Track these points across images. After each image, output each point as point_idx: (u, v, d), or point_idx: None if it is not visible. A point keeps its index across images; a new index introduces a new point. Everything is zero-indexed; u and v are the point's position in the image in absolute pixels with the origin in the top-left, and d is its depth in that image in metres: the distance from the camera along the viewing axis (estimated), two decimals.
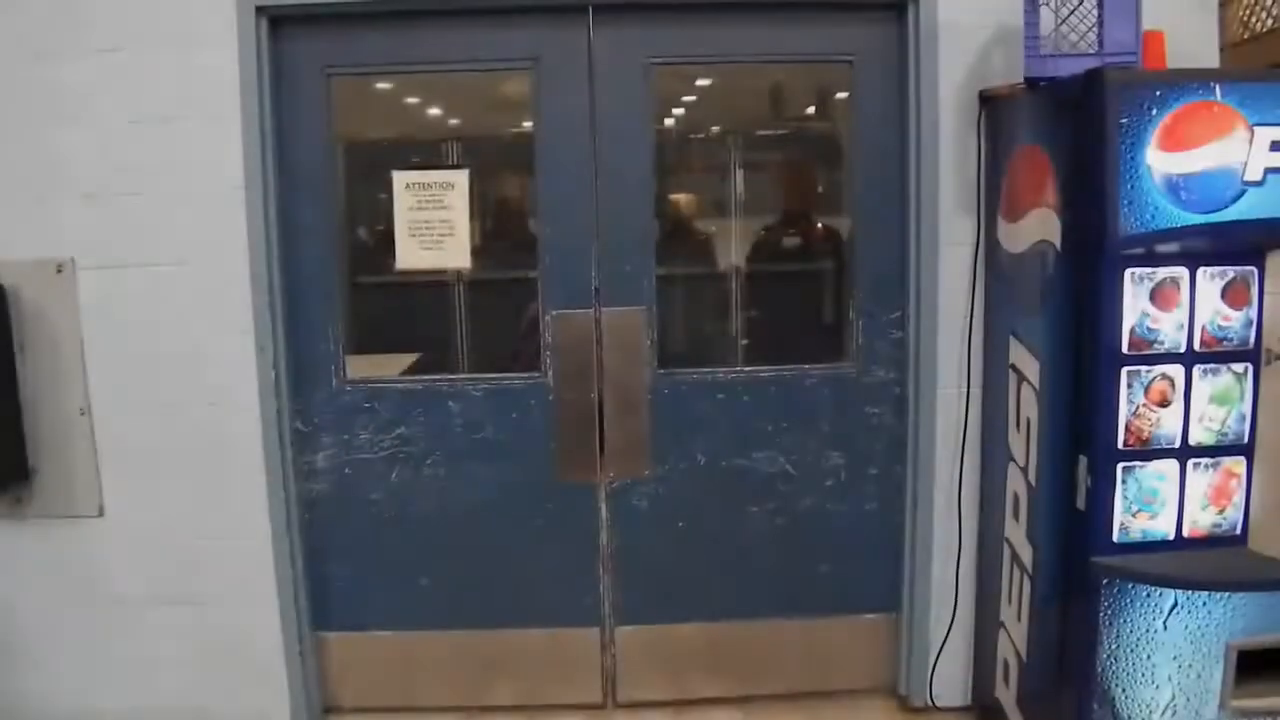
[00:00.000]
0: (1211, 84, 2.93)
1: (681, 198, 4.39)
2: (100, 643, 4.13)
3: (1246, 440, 3.15)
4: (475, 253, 3.99)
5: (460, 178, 3.91)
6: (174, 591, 4.07)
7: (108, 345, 3.94)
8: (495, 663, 4.18)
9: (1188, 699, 3.17)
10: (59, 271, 3.89)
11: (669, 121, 4.25)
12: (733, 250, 4.42)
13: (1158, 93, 2.92)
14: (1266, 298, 3.09)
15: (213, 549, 4.02)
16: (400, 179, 3.91)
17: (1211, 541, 3.18)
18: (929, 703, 4.11)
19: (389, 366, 4.20)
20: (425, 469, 4.05)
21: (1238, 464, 3.16)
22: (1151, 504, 3.12)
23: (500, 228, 4.20)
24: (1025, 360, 3.48)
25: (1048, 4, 3.39)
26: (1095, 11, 3.33)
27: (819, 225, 4.44)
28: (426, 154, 4.06)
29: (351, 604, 4.17)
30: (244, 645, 4.08)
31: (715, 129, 4.45)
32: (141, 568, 4.06)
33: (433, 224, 3.90)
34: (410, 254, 3.94)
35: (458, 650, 4.17)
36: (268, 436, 3.93)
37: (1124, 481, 3.10)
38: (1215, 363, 3.11)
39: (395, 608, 4.14)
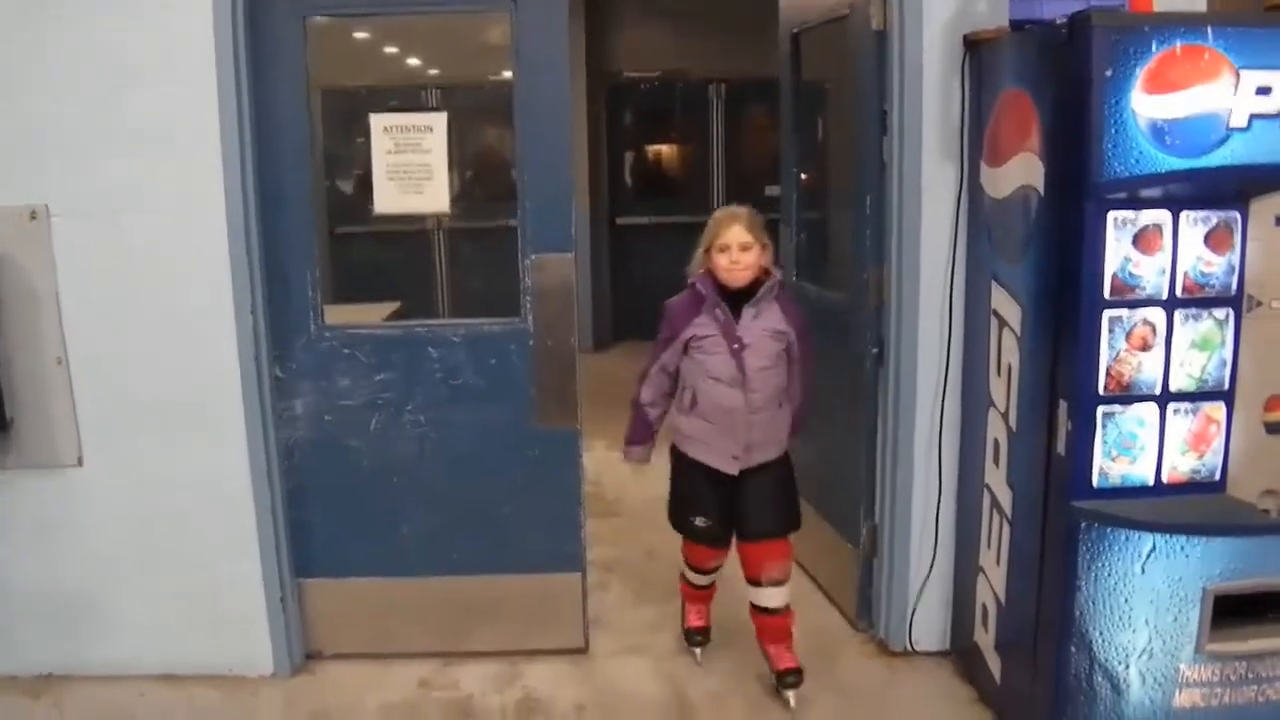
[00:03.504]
0: (1199, 28, 2.92)
1: None
2: (79, 593, 4.12)
3: (1227, 386, 3.15)
4: (455, 199, 3.96)
5: (439, 121, 3.85)
6: (154, 540, 4.06)
7: (83, 294, 3.89)
8: (476, 609, 4.19)
9: (1164, 642, 3.20)
10: (32, 219, 3.83)
11: None
12: None
13: (1144, 36, 2.90)
14: (1249, 243, 3.07)
15: (192, 497, 4.01)
16: (378, 122, 3.86)
17: (1190, 487, 3.19)
18: (908, 647, 4.14)
19: (369, 316, 4.19)
20: (405, 415, 4.04)
21: (1217, 410, 3.16)
22: (1131, 449, 3.12)
23: (479, 175, 4.18)
24: (1006, 305, 3.47)
25: None
26: None
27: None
28: (405, 101, 4.02)
29: (332, 551, 4.17)
30: (225, 593, 4.08)
31: None
32: (121, 517, 4.05)
33: (411, 168, 3.85)
34: (388, 198, 3.89)
35: (439, 596, 4.17)
36: (246, 384, 3.90)
37: (1104, 426, 3.10)
38: (1197, 308, 3.10)
39: (376, 554, 4.14)
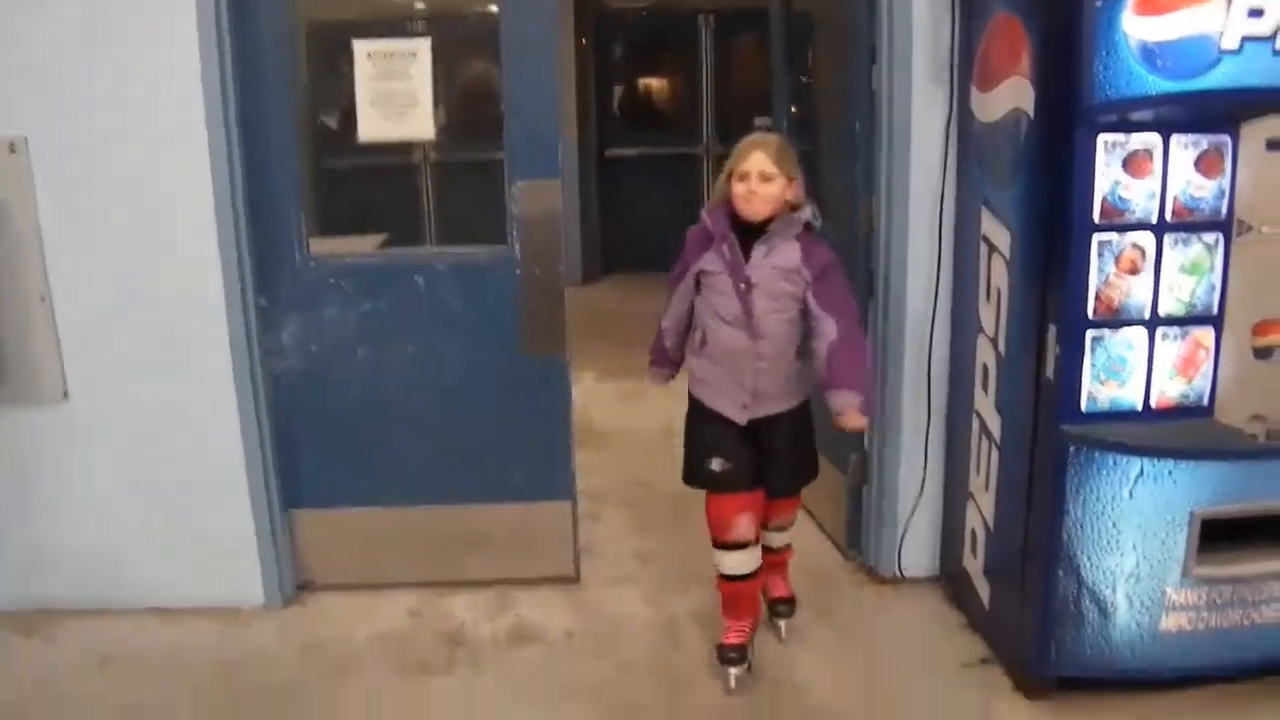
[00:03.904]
0: None
1: None
2: (69, 528, 4.12)
3: (1215, 311, 3.15)
4: (441, 129, 3.92)
5: (422, 46, 3.80)
6: (142, 474, 4.06)
7: (66, 228, 3.85)
8: (466, 538, 4.20)
9: (1151, 566, 3.22)
10: (11, 151, 3.79)
11: None
12: None
13: None
14: (1240, 168, 3.06)
15: (180, 429, 4.01)
16: (361, 48, 3.80)
17: (1178, 412, 3.20)
18: (897, 574, 4.16)
19: (357, 249, 4.16)
20: (392, 345, 4.02)
21: (1206, 335, 3.16)
22: (1120, 373, 3.13)
23: (466, 106, 4.13)
24: (996, 231, 3.46)
25: None
26: None
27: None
28: (392, 33, 3.96)
29: (322, 482, 4.17)
30: (215, 526, 4.09)
31: None
32: (109, 451, 4.04)
33: (395, 95, 3.80)
34: (372, 125, 3.85)
35: (429, 526, 4.18)
36: (231, 315, 3.88)
37: (1093, 350, 3.10)
38: (1186, 232, 3.09)
39: (366, 485, 4.15)
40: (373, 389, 4.06)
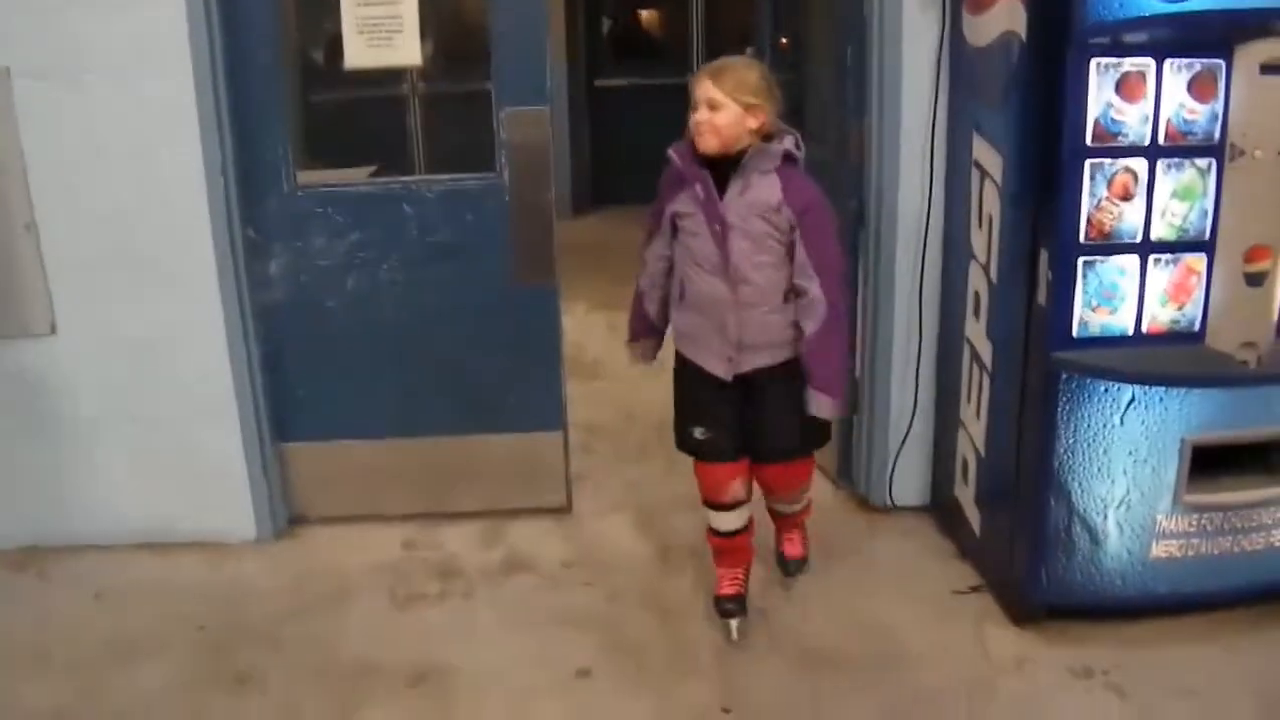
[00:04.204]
0: None
1: None
2: (58, 463, 4.12)
3: (1207, 237, 3.13)
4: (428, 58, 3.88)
5: None
6: (131, 408, 4.05)
7: (50, 158, 3.80)
8: (458, 469, 4.21)
9: (1142, 493, 3.23)
10: None
11: None
12: None
13: None
14: (1233, 91, 3.02)
15: (168, 362, 3.98)
16: None
17: (1170, 338, 3.19)
18: (888, 503, 4.17)
19: (347, 180, 4.13)
20: (382, 274, 4.00)
21: (1198, 261, 3.14)
22: (1111, 299, 3.11)
23: (453, 35, 4.08)
24: (988, 155, 3.42)
25: None
26: None
27: None
28: None
29: (313, 414, 4.17)
30: (205, 460, 4.08)
31: None
32: (96, 385, 4.03)
33: (380, 20, 3.74)
34: (359, 52, 3.79)
35: (421, 458, 4.19)
36: (218, 245, 3.85)
37: (1084, 276, 3.08)
38: (1179, 157, 3.06)
39: (357, 416, 4.14)
40: (363, 320, 4.04)
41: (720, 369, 3.25)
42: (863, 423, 4.20)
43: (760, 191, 3.09)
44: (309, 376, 4.12)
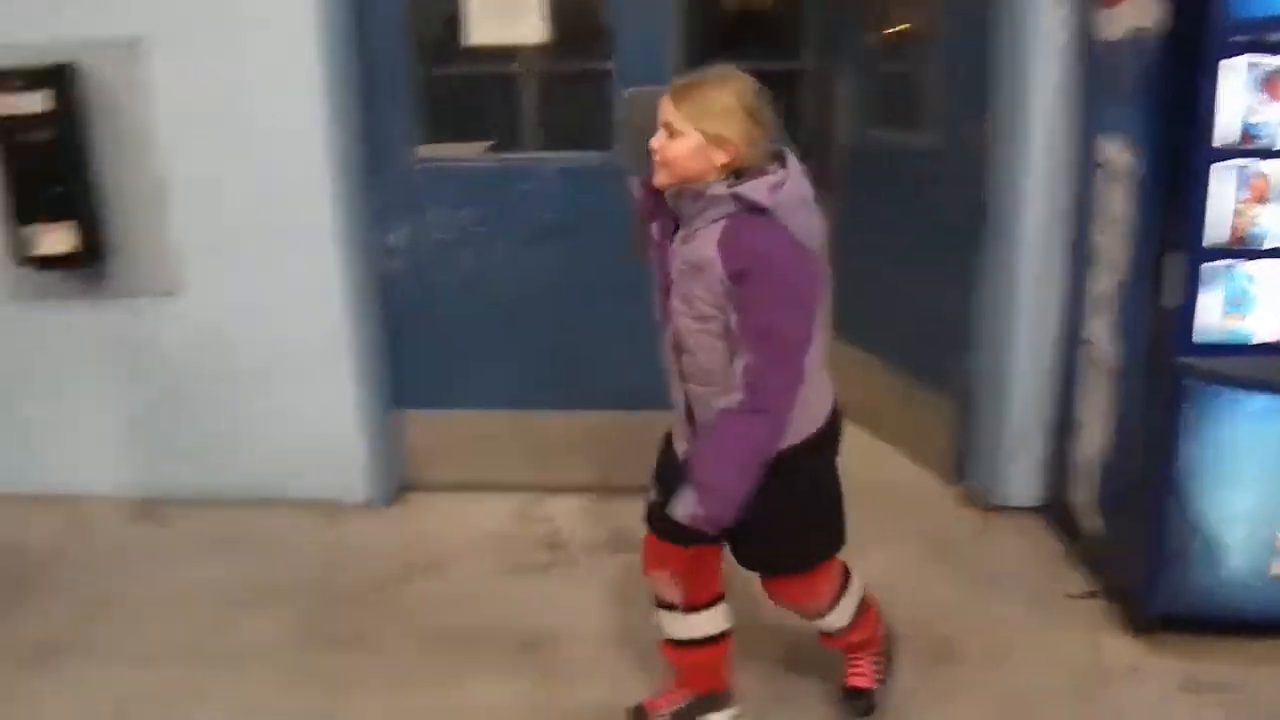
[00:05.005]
0: None
1: None
2: (180, 419, 4.25)
3: None
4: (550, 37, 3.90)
5: None
6: (250, 369, 4.16)
7: (181, 125, 3.94)
8: (569, 443, 4.23)
9: (1266, 507, 3.12)
10: (130, 48, 3.86)
11: None
12: None
13: None
14: None
15: (289, 326, 4.09)
16: None
17: None
18: (1000, 502, 4.10)
19: (462, 154, 4.17)
20: (497, 248, 4.04)
21: None
22: (1242, 305, 3.00)
23: (575, 14, 4.09)
24: (1117, 154, 3.33)
25: None
26: None
27: None
28: None
29: (428, 383, 4.24)
30: (322, 422, 4.17)
31: None
32: (219, 345, 4.15)
33: None
34: (481, 28, 3.84)
35: (532, 430, 4.24)
36: (341, 215, 3.95)
37: (1216, 281, 2.98)
38: None
39: (472, 387, 4.19)
40: (478, 292, 4.08)
41: (679, 447, 2.68)
42: (979, 419, 4.13)
43: (698, 244, 2.41)
44: (425, 345, 4.18)
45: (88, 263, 4.00)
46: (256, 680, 3.30)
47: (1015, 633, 3.42)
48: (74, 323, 4.18)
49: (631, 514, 4.05)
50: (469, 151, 4.17)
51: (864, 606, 2.92)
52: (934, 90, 4.33)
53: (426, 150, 4.04)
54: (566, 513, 4.14)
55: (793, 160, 2.46)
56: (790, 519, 2.60)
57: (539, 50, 4.04)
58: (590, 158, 3.98)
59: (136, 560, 3.97)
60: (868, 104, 4.75)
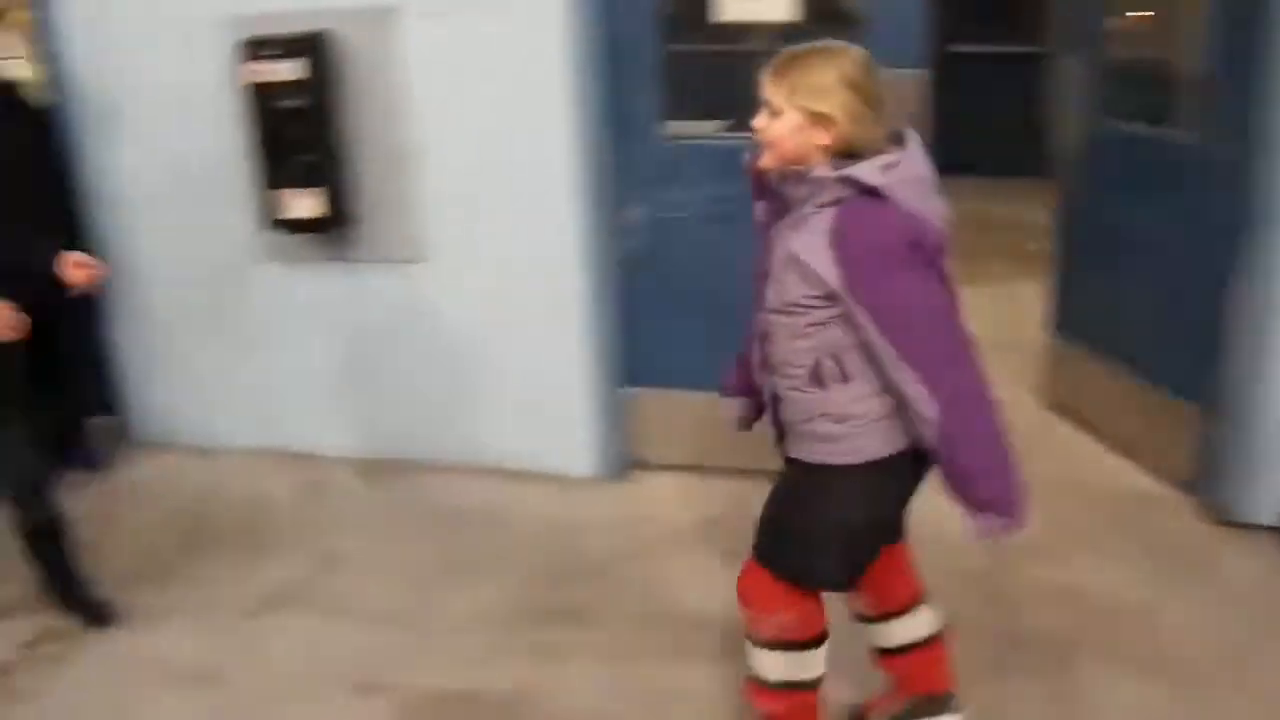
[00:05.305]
0: None
1: None
2: (412, 384, 4.37)
3: None
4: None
5: None
6: (487, 339, 4.24)
7: (432, 94, 4.01)
8: None
9: None
10: (383, 19, 3.94)
11: None
12: None
13: None
14: None
15: (527, 299, 4.14)
16: None
17: None
18: (1245, 517, 3.90)
19: (700, 132, 4.15)
20: (738, 229, 3.98)
21: None
22: None
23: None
24: None
25: None
26: None
27: None
28: None
29: (660, 362, 4.24)
30: (554, 396, 4.24)
31: None
32: (459, 314, 4.24)
33: None
34: (733, 4, 3.81)
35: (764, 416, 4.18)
36: (584, 189, 3.96)
37: None
38: None
39: (704, 368, 4.13)
40: (716, 273, 4.02)
41: (773, 447, 2.62)
42: (1227, 428, 3.93)
43: (807, 232, 2.26)
44: (660, 324, 4.18)
45: (334, 228, 4.11)
46: (472, 647, 3.38)
47: (1252, 655, 3.25)
48: (318, 286, 4.32)
49: None
50: (704, 129, 4.15)
51: (801, 702, 2.64)
52: (1190, 80, 4.14)
53: (672, 127, 4.03)
54: None
55: (913, 139, 2.31)
56: (804, 522, 2.44)
57: (783, 28, 3.99)
58: None
59: (364, 521, 4.10)
60: (1108, 91, 4.56)
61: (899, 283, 2.20)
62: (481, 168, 4.03)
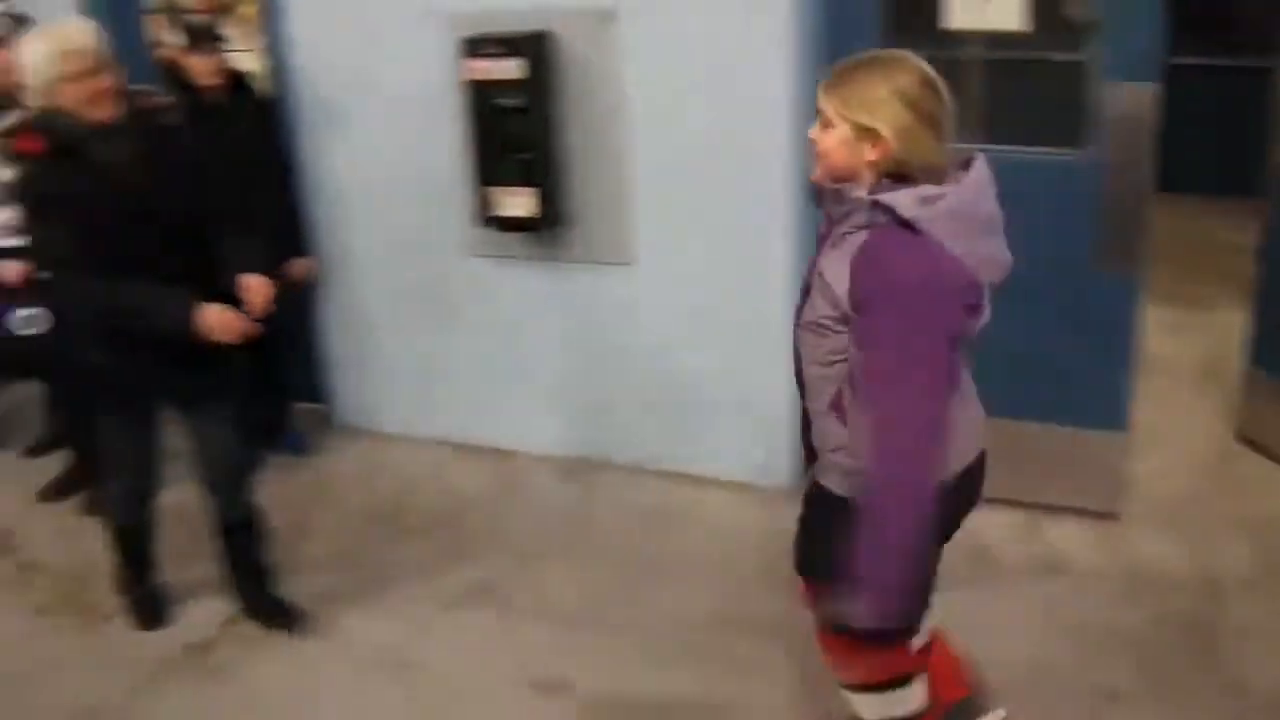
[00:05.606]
0: None
1: None
2: (615, 387, 4.39)
3: None
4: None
5: None
6: (689, 344, 4.22)
7: (646, 96, 4.00)
8: (1006, 454, 4.02)
9: None
10: (604, 20, 3.94)
11: None
12: None
13: None
14: None
15: (730, 308, 4.11)
16: None
17: None
18: None
19: None
20: None
21: None
22: None
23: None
24: None
25: None
26: None
27: None
28: None
29: None
30: (752, 405, 4.20)
31: None
32: (660, 319, 4.23)
33: None
34: (963, 11, 3.70)
35: None
36: (798, 194, 3.87)
37: None
38: None
39: None
40: None
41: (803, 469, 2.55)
42: None
43: (837, 254, 2.18)
44: None
45: (546, 227, 4.13)
46: (660, 653, 3.37)
47: None
48: (528, 284, 4.36)
49: (1064, 536, 3.89)
50: None
51: None
52: None
53: None
54: (993, 527, 3.94)
55: (980, 169, 2.20)
56: (841, 566, 2.18)
57: (1006, 37, 3.86)
58: (1053, 156, 3.75)
59: (562, 520, 4.13)
60: None
61: (894, 328, 2.09)
62: (694, 171, 4.00)
